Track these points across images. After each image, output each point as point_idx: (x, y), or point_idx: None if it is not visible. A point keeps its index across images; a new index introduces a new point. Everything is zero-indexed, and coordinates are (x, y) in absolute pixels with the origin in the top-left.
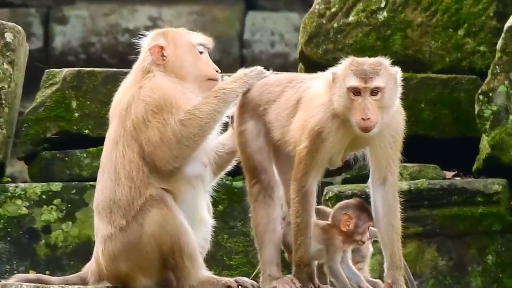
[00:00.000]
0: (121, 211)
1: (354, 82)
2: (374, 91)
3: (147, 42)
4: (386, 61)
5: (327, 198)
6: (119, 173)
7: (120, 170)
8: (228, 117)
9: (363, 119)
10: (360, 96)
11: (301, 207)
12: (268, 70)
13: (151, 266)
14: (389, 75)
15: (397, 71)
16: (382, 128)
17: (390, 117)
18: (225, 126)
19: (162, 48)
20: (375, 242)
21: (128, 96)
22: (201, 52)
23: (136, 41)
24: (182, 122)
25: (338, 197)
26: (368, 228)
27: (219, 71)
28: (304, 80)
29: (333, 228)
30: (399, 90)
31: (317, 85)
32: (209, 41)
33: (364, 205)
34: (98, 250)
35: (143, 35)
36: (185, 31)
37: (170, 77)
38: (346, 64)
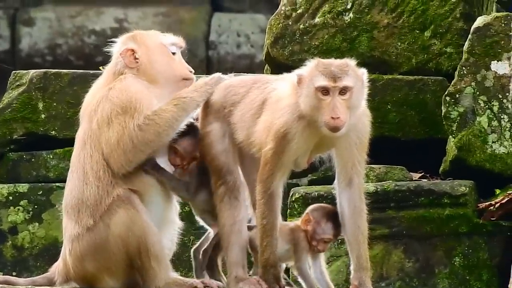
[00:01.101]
0: (89, 210)
1: (323, 81)
2: (343, 91)
3: (117, 47)
4: (352, 62)
5: (293, 199)
6: (87, 173)
7: (88, 170)
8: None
9: (332, 118)
10: (329, 96)
11: (267, 209)
12: (231, 72)
13: (117, 267)
14: (356, 75)
15: (364, 73)
16: (348, 129)
17: (357, 118)
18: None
19: (133, 51)
20: (341, 244)
21: (97, 97)
22: (173, 53)
23: (107, 48)
24: (140, 127)
25: (304, 199)
26: (329, 242)
27: (193, 71)
28: (269, 81)
29: (300, 229)
30: (366, 91)
31: (282, 87)
32: (181, 41)
33: (332, 215)
34: (65, 250)
35: (112, 41)
36: (156, 33)
37: (141, 80)
38: (312, 65)
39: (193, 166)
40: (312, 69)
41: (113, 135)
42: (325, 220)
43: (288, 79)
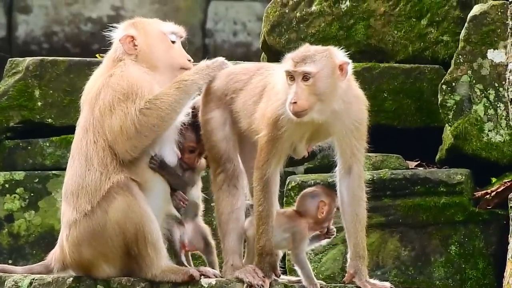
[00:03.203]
0: (88, 196)
1: (288, 66)
2: (305, 76)
3: (118, 33)
4: (338, 51)
5: (290, 187)
6: (92, 159)
7: (92, 156)
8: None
9: (290, 102)
10: (294, 81)
11: (263, 196)
12: (231, 60)
13: (114, 254)
14: (328, 62)
15: (345, 61)
16: (339, 116)
17: (345, 105)
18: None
19: (133, 38)
20: (337, 232)
21: (98, 84)
22: (173, 42)
23: (108, 33)
24: (142, 112)
25: (301, 187)
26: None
27: (192, 60)
28: (272, 68)
29: (301, 216)
30: (345, 80)
31: (278, 73)
32: (181, 30)
33: (331, 190)
34: (62, 236)
35: (113, 26)
36: (157, 21)
37: (141, 66)
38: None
39: (199, 164)
40: (291, 53)
41: (116, 122)
42: (331, 198)
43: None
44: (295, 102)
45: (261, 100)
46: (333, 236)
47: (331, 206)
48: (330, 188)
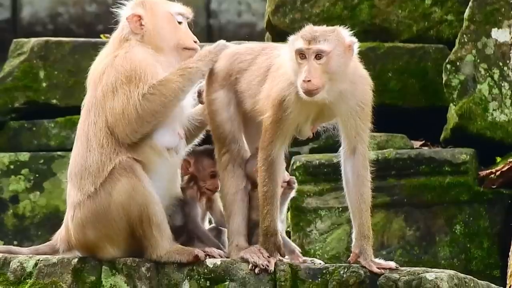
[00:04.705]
0: (91, 177)
1: (299, 44)
2: (318, 55)
3: (125, 12)
4: (344, 30)
5: (295, 168)
6: (91, 140)
7: (91, 137)
8: (196, 92)
9: (304, 81)
10: (306, 60)
11: (267, 176)
12: (235, 40)
13: (118, 235)
14: (339, 42)
15: (353, 41)
16: (344, 97)
17: (351, 86)
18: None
19: (140, 17)
20: (342, 212)
21: (103, 64)
22: (180, 22)
23: (116, 10)
24: (145, 97)
25: (306, 167)
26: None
27: (197, 41)
28: (277, 48)
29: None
30: (352, 59)
31: (284, 53)
32: (188, 12)
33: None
34: (67, 217)
35: (121, 3)
36: (164, 1)
37: (146, 48)
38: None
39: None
40: (297, 33)
41: (118, 105)
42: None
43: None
44: (309, 80)
45: (266, 80)
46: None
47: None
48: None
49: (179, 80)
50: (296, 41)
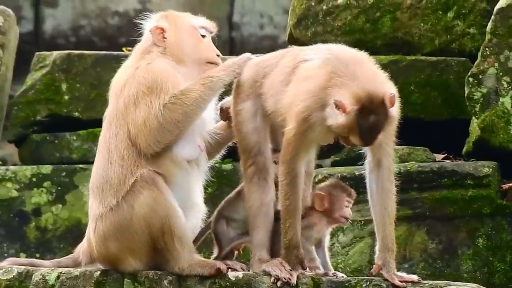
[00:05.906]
0: (112, 190)
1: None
2: None
3: (149, 24)
4: (387, 99)
5: (317, 181)
6: (112, 152)
7: (112, 150)
8: (217, 109)
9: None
10: None
11: (290, 190)
12: (258, 53)
13: (140, 248)
14: (388, 120)
15: (396, 109)
16: None
17: None
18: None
19: (163, 29)
20: (364, 225)
21: (125, 76)
22: (203, 36)
23: (139, 22)
24: (167, 107)
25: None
26: (348, 204)
27: (220, 55)
28: (303, 50)
29: (313, 210)
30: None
31: (313, 64)
32: (212, 26)
33: (337, 183)
34: (89, 230)
35: (146, 15)
36: (189, 15)
37: (168, 60)
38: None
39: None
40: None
41: (140, 116)
42: (333, 189)
43: (321, 55)
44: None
45: (290, 82)
46: (346, 221)
47: (329, 198)
48: (338, 180)
49: (200, 89)
50: (353, 131)
